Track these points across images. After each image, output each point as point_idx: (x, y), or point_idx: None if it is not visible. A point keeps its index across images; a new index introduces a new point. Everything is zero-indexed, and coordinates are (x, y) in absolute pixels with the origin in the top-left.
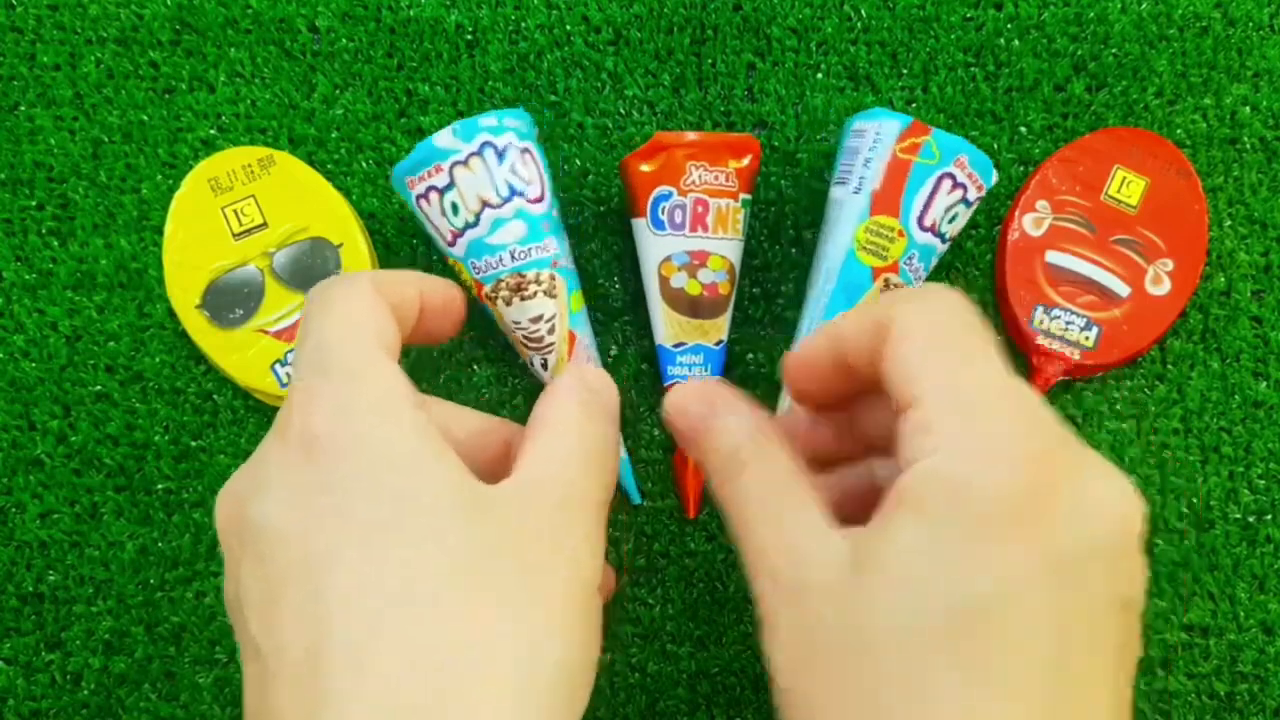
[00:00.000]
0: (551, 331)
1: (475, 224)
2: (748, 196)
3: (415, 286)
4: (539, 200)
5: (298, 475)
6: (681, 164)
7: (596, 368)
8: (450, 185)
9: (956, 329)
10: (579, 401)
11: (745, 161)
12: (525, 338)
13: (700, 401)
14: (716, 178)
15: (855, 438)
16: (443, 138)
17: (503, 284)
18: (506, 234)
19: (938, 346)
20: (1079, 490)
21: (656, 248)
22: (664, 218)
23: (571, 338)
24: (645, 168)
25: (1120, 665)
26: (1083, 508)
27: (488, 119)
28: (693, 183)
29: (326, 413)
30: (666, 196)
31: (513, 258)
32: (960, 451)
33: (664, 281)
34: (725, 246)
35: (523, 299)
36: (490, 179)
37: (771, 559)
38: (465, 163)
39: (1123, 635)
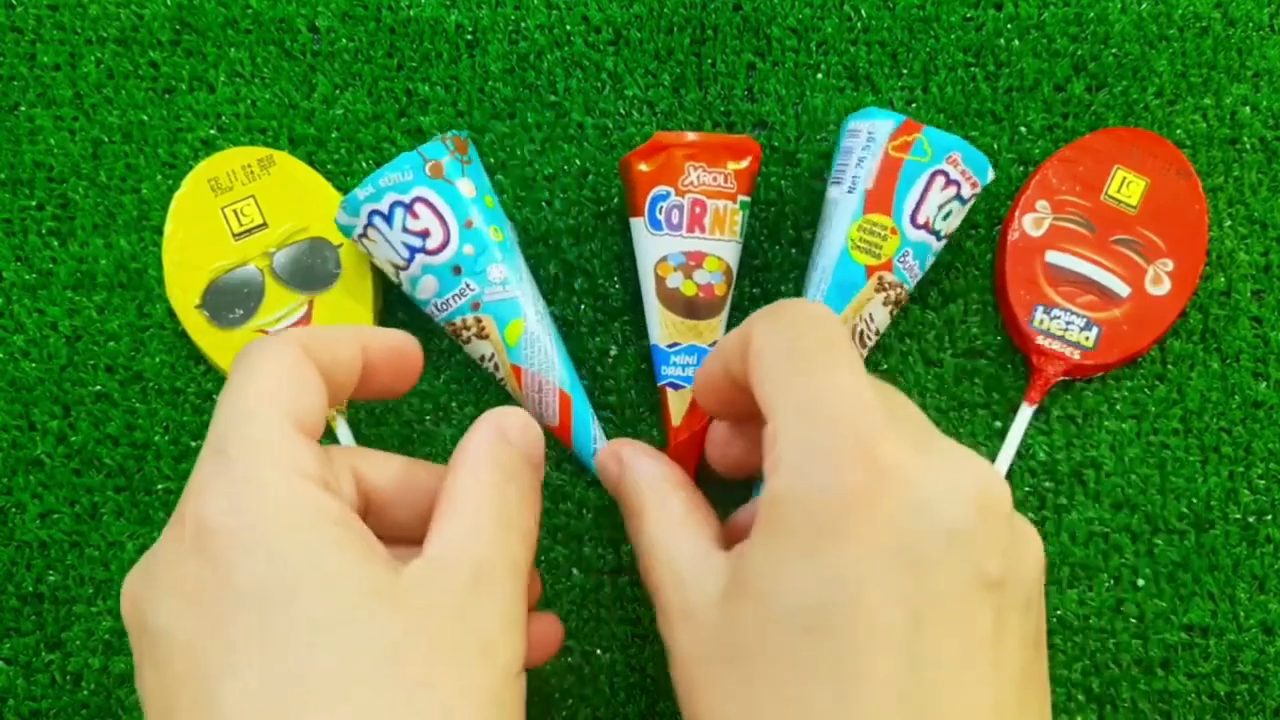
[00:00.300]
0: (498, 369)
1: (401, 285)
2: (746, 199)
3: (355, 344)
4: (441, 248)
5: (191, 573)
6: (680, 164)
7: (514, 410)
8: (370, 253)
9: (806, 343)
10: (489, 461)
11: (745, 163)
12: (493, 374)
13: (612, 460)
14: (715, 179)
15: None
16: (340, 216)
17: (449, 331)
18: (424, 290)
19: (785, 361)
20: (915, 480)
21: (653, 247)
22: (661, 217)
23: (516, 371)
24: (644, 167)
25: (999, 645)
26: (920, 496)
27: (365, 189)
28: (691, 183)
29: (219, 501)
30: (664, 196)
31: (438, 310)
32: (795, 463)
33: (660, 281)
34: (722, 248)
35: (464, 343)
36: (389, 246)
37: (665, 592)
38: (365, 234)
39: (995, 615)
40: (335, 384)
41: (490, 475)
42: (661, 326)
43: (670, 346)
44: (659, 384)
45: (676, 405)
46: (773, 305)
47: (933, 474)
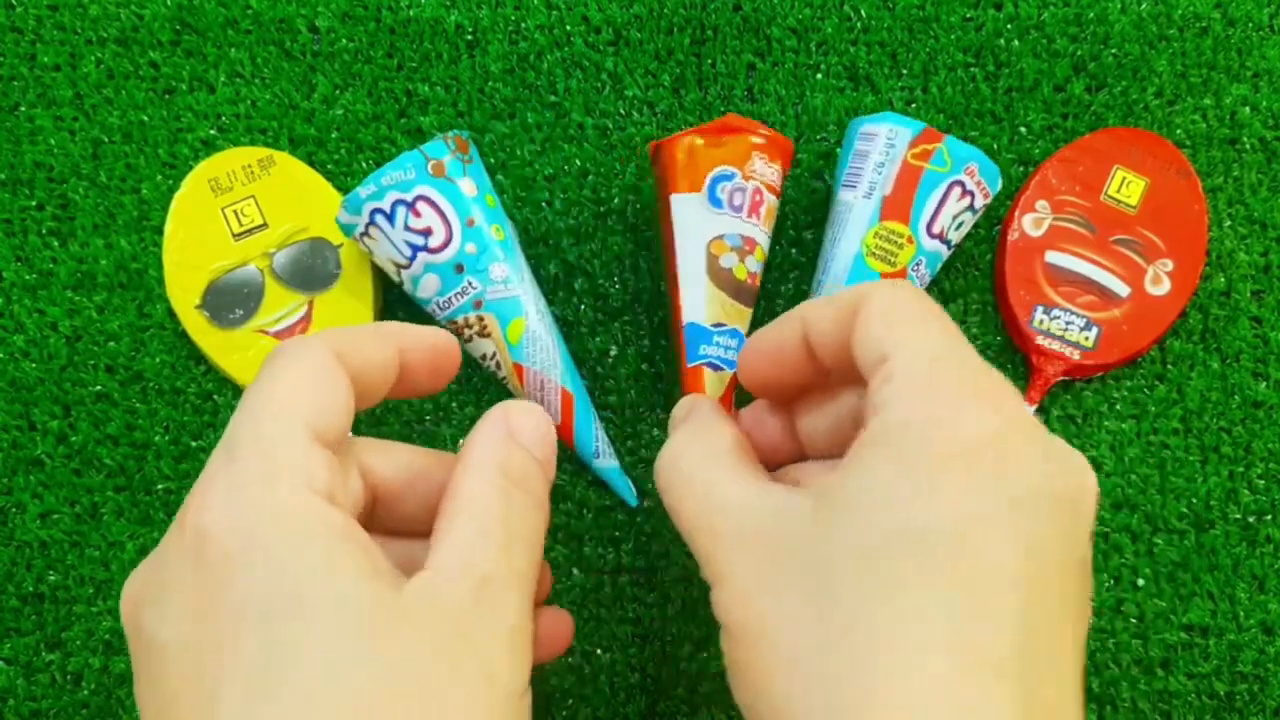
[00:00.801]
0: (499, 367)
1: (402, 284)
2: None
3: (391, 345)
4: (444, 247)
5: (189, 580)
6: (748, 152)
7: (526, 406)
8: (370, 252)
9: (924, 306)
10: (496, 465)
11: (788, 163)
12: (494, 373)
13: (681, 408)
14: (773, 174)
15: (795, 440)
16: (341, 215)
17: (451, 330)
18: (426, 289)
19: (907, 316)
20: (1043, 446)
21: (709, 224)
22: (723, 197)
23: (518, 370)
24: (708, 144)
25: (1080, 622)
26: (1047, 461)
27: (367, 187)
28: (755, 171)
29: (219, 508)
30: (729, 177)
31: (439, 309)
32: (929, 396)
33: (713, 259)
34: (766, 240)
35: (466, 341)
36: (391, 244)
37: (711, 518)
38: (366, 233)
39: (1080, 594)
40: (369, 386)
41: (496, 481)
42: (709, 304)
43: (715, 326)
44: (693, 364)
45: (714, 386)
46: (884, 281)
47: (1052, 444)
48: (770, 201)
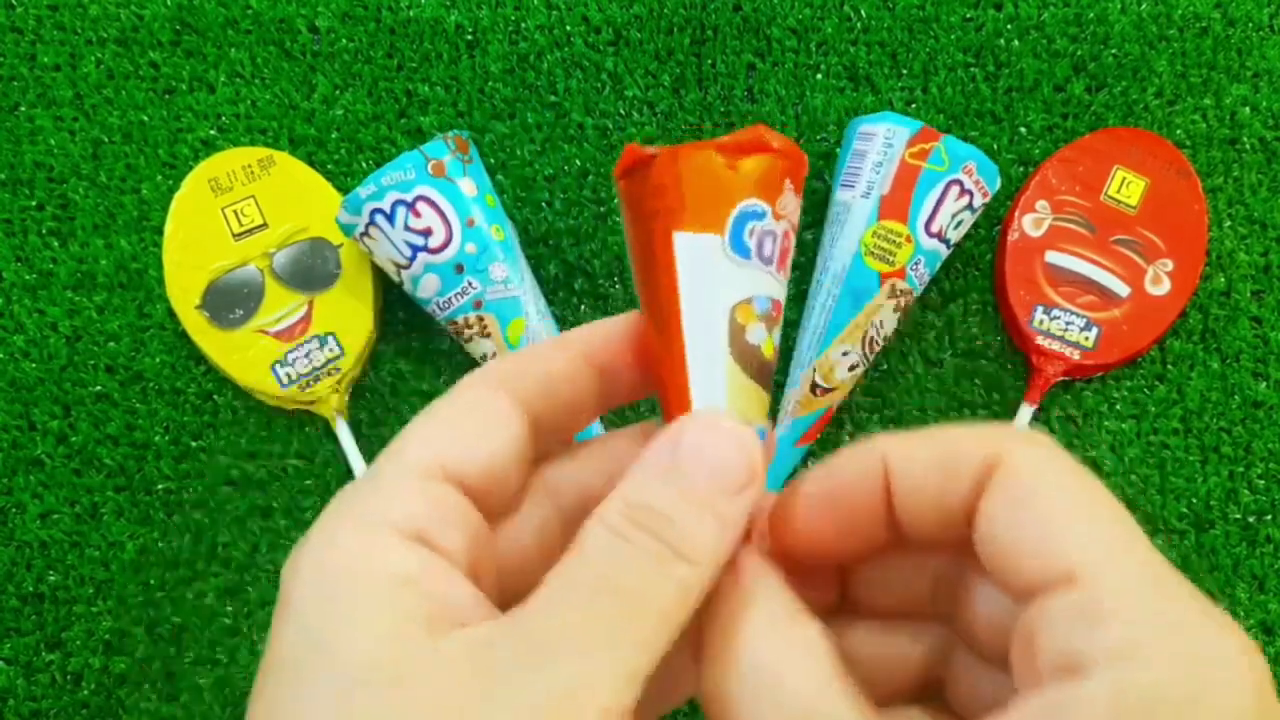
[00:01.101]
0: None
1: (402, 284)
2: None
3: (573, 352)
4: (444, 247)
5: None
6: (780, 179)
7: (708, 416)
8: (370, 252)
9: (1094, 488)
10: (621, 510)
11: (797, 191)
12: None
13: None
14: (796, 207)
15: (829, 589)
16: (342, 215)
17: (451, 330)
18: (426, 289)
19: (1086, 504)
20: None
21: (734, 282)
22: (751, 243)
23: None
24: (731, 163)
25: None
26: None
27: (367, 187)
28: (786, 208)
29: (297, 552)
30: (759, 215)
31: (439, 309)
32: (1170, 659)
33: (738, 331)
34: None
35: (465, 342)
36: (391, 244)
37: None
38: (366, 233)
39: None
40: (562, 404)
41: (615, 531)
42: (734, 394)
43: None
44: None
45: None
46: (1008, 430)
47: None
48: (792, 241)
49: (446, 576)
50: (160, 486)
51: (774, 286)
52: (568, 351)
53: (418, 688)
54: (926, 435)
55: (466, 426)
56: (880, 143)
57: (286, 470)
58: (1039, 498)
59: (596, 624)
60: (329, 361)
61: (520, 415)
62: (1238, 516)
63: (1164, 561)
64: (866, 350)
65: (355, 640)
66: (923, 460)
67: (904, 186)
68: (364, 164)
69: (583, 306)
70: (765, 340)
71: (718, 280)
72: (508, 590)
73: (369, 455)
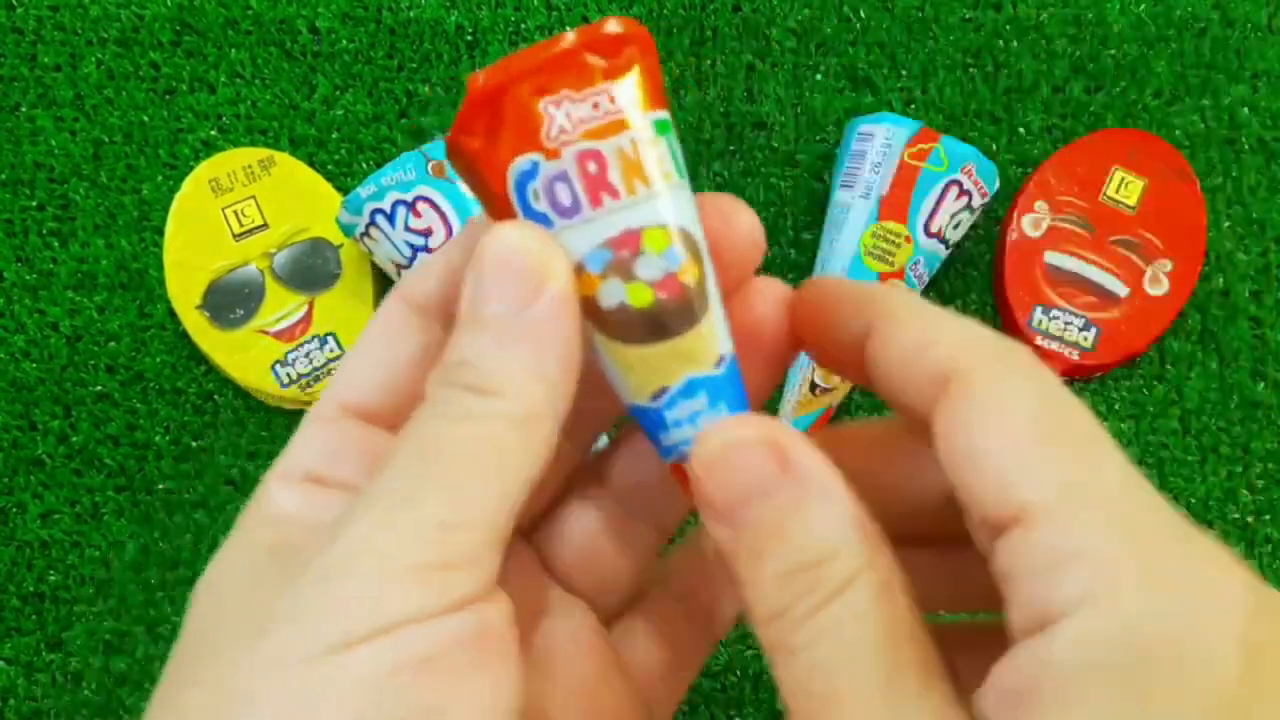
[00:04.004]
0: None
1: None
2: (663, 115)
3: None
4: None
5: None
6: (531, 109)
7: (506, 234)
8: (371, 252)
9: (1063, 409)
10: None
11: (631, 66)
12: None
13: (758, 461)
14: (597, 106)
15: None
16: (342, 215)
17: None
18: None
19: (1050, 436)
20: None
21: None
22: (542, 207)
23: None
24: (475, 141)
25: None
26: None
27: (367, 187)
28: (564, 130)
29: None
30: (529, 173)
31: None
32: (1141, 603)
33: (589, 306)
34: (660, 207)
35: None
36: (391, 244)
37: None
38: (367, 233)
39: None
40: None
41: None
42: (625, 373)
43: (656, 397)
44: (666, 461)
45: None
46: (987, 341)
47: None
48: (622, 145)
49: (327, 504)
50: (161, 486)
51: (598, 230)
52: (470, 244)
53: (226, 592)
54: (910, 317)
55: (362, 358)
56: (879, 143)
57: None
58: (993, 423)
59: (396, 490)
60: (329, 362)
61: (419, 321)
62: (1236, 516)
63: (1139, 492)
64: None
65: (209, 573)
66: (897, 347)
67: (903, 187)
68: (364, 164)
69: None
70: (626, 290)
71: None
72: None
73: None
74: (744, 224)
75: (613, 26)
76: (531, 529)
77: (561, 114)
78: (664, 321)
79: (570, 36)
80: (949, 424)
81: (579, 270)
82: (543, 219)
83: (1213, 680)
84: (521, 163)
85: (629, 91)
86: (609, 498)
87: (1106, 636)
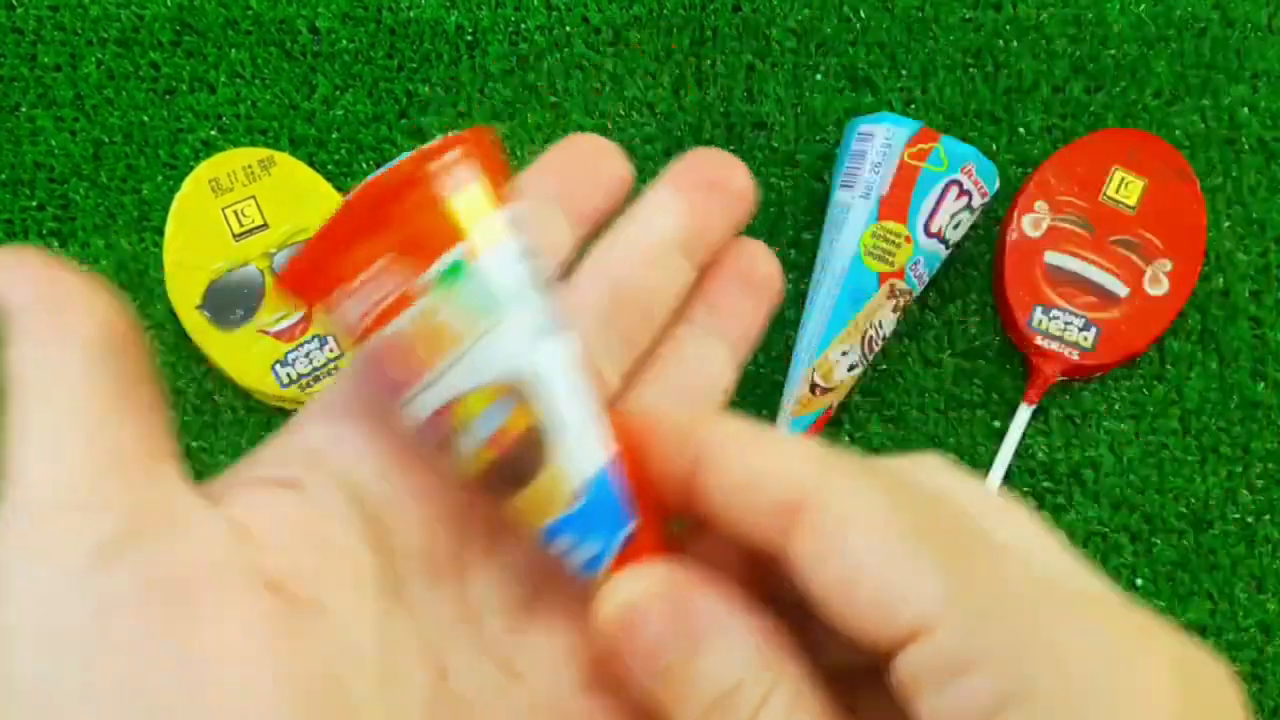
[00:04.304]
0: None
1: None
2: (452, 258)
3: None
4: None
5: None
6: (329, 305)
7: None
8: None
9: (928, 512)
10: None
11: (411, 220)
12: None
13: (656, 618)
14: (379, 287)
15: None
16: None
17: None
18: None
19: (920, 544)
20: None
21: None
22: (378, 383)
23: None
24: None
25: None
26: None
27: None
28: (360, 319)
29: None
30: (358, 356)
31: None
32: (1059, 702)
33: (457, 445)
34: (467, 368)
35: None
36: None
37: None
38: None
39: None
40: None
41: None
42: (512, 521)
43: (539, 539)
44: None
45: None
46: (837, 460)
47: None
48: (414, 318)
49: None
50: None
51: (427, 402)
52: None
53: None
54: (742, 443)
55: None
56: (879, 143)
57: None
58: (857, 546)
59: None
60: (329, 362)
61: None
62: (1236, 516)
63: (1022, 573)
64: (866, 350)
65: None
66: (732, 478)
67: (903, 187)
68: (364, 164)
69: None
70: (465, 460)
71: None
72: None
73: None
74: (739, 178)
75: (405, 168)
76: None
77: (352, 305)
78: (511, 473)
79: (356, 203)
80: (809, 554)
81: (424, 447)
82: (387, 405)
83: None
84: (352, 354)
85: (408, 258)
86: None
87: None
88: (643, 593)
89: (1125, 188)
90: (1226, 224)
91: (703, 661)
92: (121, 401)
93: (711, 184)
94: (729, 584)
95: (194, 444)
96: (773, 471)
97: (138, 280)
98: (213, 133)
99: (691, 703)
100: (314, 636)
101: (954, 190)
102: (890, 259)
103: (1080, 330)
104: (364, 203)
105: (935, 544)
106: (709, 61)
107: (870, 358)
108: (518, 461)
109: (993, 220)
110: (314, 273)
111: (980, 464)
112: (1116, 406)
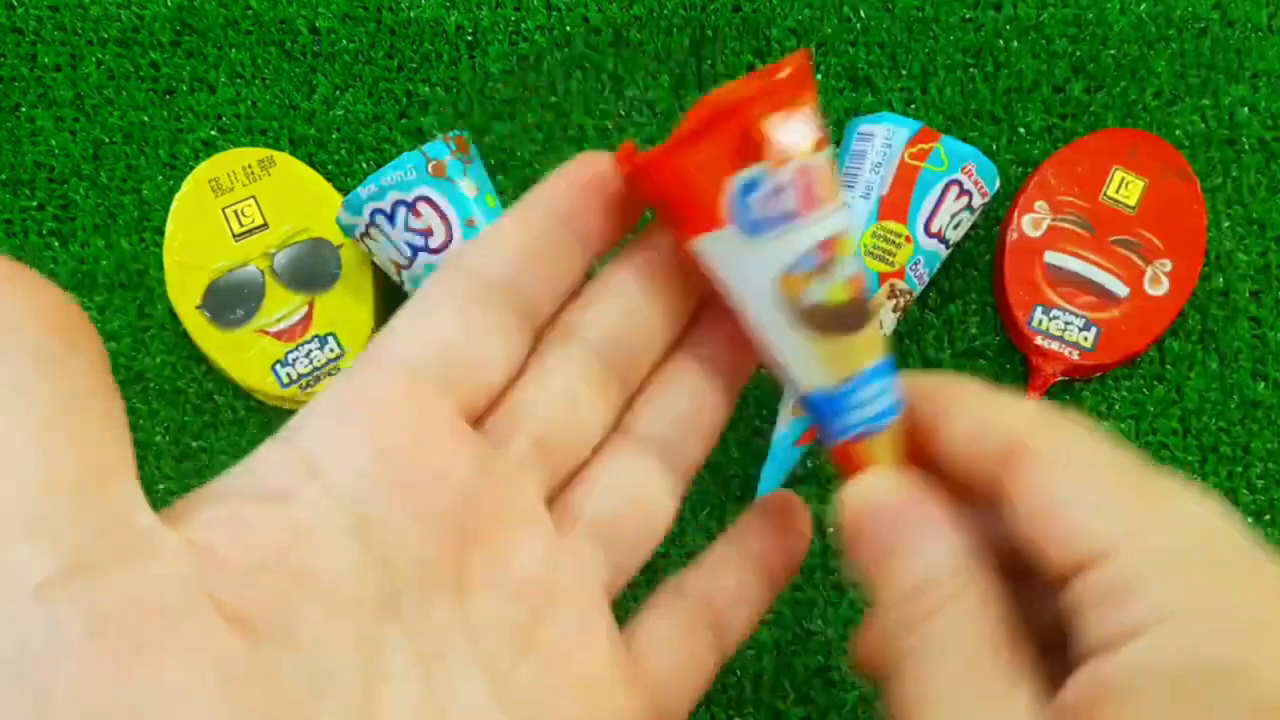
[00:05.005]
0: None
1: (402, 284)
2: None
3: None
4: (444, 247)
5: None
6: (757, 128)
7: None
8: (371, 252)
9: (1121, 465)
10: None
11: (815, 94)
12: None
13: (888, 518)
14: (806, 125)
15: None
16: (342, 215)
17: None
18: None
19: (1113, 486)
20: None
21: (765, 261)
22: (763, 213)
23: None
24: (698, 148)
25: None
26: None
27: (368, 188)
28: (785, 145)
29: None
30: (754, 184)
31: None
32: (1204, 626)
33: (792, 304)
34: (848, 215)
35: None
36: (392, 244)
37: None
38: (367, 233)
39: None
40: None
41: None
42: (820, 363)
43: (846, 383)
44: (840, 442)
45: (883, 453)
46: (1051, 413)
47: None
48: (821, 164)
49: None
50: (161, 487)
51: (809, 236)
52: (535, 219)
53: None
54: (972, 400)
55: (426, 326)
56: (879, 143)
57: None
58: (1059, 482)
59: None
60: (329, 362)
61: (491, 295)
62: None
63: (1202, 527)
64: None
65: None
66: (962, 428)
67: (903, 187)
68: (364, 164)
69: None
70: (830, 288)
71: (747, 270)
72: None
73: None
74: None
75: (798, 60)
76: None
77: (786, 128)
78: (855, 315)
79: (770, 71)
80: (1019, 488)
81: (791, 272)
82: (758, 224)
83: (1263, 695)
84: (746, 175)
85: (819, 116)
86: (637, 447)
87: (1168, 655)
88: (883, 489)
89: (1125, 188)
90: (1226, 224)
91: (912, 554)
92: (72, 417)
93: None
94: (944, 502)
95: (194, 444)
96: (1001, 420)
97: (138, 280)
98: (213, 133)
99: (895, 586)
100: (277, 671)
101: (954, 190)
102: (890, 259)
103: (1080, 330)
104: (790, 76)
105: (1126, 491)
106: (709, 61)
107: None
108: (863, 306)
109: (993, 220)
110: (760, 97)
111: None
112: (1116, 406)
